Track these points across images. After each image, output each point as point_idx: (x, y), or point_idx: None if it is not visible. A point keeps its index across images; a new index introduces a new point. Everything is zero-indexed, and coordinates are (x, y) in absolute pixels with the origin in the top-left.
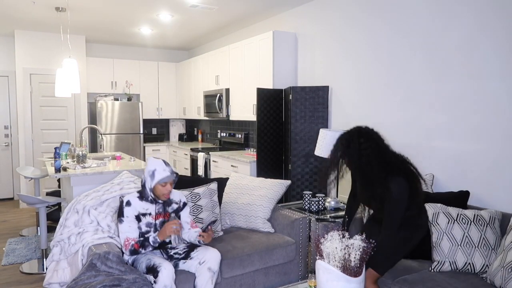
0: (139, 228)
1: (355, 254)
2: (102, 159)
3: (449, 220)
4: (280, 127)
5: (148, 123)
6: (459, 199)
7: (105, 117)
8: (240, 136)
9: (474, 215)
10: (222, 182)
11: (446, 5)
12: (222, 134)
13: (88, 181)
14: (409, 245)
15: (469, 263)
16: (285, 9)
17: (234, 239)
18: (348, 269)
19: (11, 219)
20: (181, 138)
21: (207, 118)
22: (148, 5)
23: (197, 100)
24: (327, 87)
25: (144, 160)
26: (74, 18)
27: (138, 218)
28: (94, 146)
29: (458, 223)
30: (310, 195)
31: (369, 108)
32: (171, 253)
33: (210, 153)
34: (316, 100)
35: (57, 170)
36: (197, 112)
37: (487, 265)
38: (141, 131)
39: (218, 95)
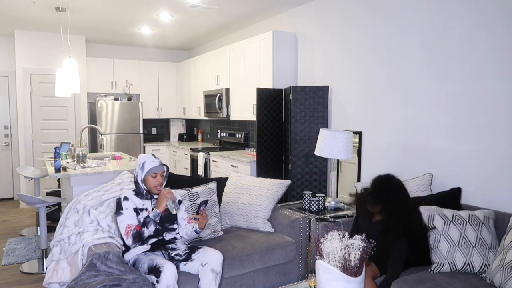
0: (138, 221)
1: (355, 254)
2: (102, 159)
3: (445, 222)
4: (280, 127)
5: (148, 123)
6: (451, 197)
7: (105, 117)
8: (240, 136)
9: (469, 215)
10: (221, 182)
11: (446, 4)
12: (222, 134)
13: (88, 181)
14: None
15: (468, 263)
16: (285, 9)
17: (234, 239)
18: (348, 269)
19: (11, 219)
20: (181, 138)
21: (207, 118)
22: (148, 5)
23: (197, 100)
24: (327, 87)
25: None
26: (74, 18)
27: (136, 211)
28: (94, 146)
29: (454, 224)
30: (310, 195)
31: (369, 108)
32: (172, 255)
33: (210, 153)
34: (316, 100)
35: (57, 170)
36: (197, 112)
37: (486, 265)
38: (141, 131)
39: (218, 95)
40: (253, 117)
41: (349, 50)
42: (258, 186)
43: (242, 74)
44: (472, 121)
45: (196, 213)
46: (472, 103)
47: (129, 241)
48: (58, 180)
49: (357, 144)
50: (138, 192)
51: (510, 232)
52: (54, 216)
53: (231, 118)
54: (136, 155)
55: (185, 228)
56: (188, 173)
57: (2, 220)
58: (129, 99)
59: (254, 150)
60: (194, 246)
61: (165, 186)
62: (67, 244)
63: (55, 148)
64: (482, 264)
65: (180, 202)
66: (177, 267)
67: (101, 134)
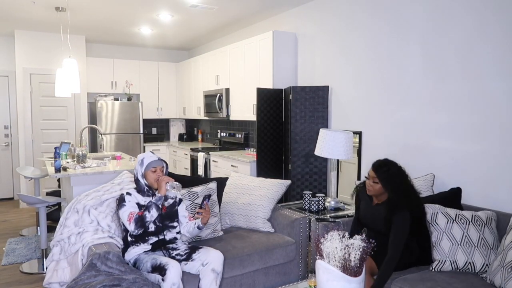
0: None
1: (355, 254)
2: (102, 159)
3: (448, 220)
4: (280, 127)
5: (148, 123)
6: (451, 197)
7: (105, 117)
8: (240, 136)
9: (472, 215)
10: (221, 182)
11: (445, 5)
12: (222, 134)
13: (88, 181)
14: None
15: (470, 263)
16: (285, 9)
17: (234, 239)
18: (348, 269)
19: (11, 219)
20: (181, 138)
21: (207, 118)
22: (148, 5)
23: (197, 100)
24: (327, 87)
25: None
26: (74, 18)
27: (139, 206)
28: (94, 146)
29: (457, 223)
30: (310, 195)
31: (369, 108)
32: (173, 254)
33: (210, 153)
34: (316, 100)
35: (57, 170)
36: (197, 112)
37: (487, 265)
38: (141, 131)
39: (218, 95)
40: (253, 117)
41: (349, 50)
42: (258, 186)
43: (242, 74)
44: (472, 121)
45: (199, 207)
46: (472, 103)
47: (131, 227)
48: (58, 180)
49: (357, 144)
50: (139, 190)
51: (511, 232)
52: (54, 216)
53: (231, 118)
54: (136, 155)
55: (186, 225)
56: (188, 173)
57: (2, 220)
58: (129, 99)
59: (254, 150)
60: (194, 246)
61: None
62: (67, 244)
63: (55, 148)
64: (484, 264)
65: (180, 200)
66: None
67: (101, 134)
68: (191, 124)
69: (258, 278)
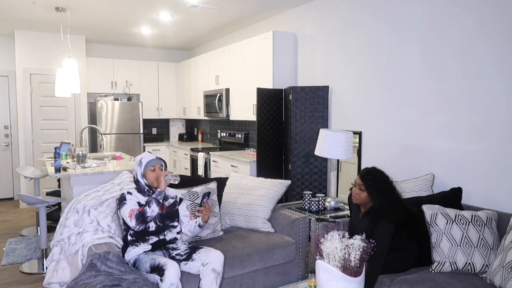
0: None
1: (355, 254)
2: (102, 159)
3: (447, 221)
4: (280, 127)
5: (148, 123)
6: (452, 197)
7: (105, 117)
8: (240, 136)
9: (472, 215)
10: (221, 182)
11: (445, 5)
12: (222, 134)
13: (88, 181)
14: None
15: (469, 263)
16: (285, 9)
17: (234, 239)
18: (348, 269)
19: (11, 219)
20: (181, 138)
21: (207, 118)
22: (148, 5)
23: (197, 100)
24: (327, 87)
25: None
26: (74, 18)
27: (139, 205)
28: (94, 146)
29: (457, 224)
30: (310, 195)
31: (369, 108)
32: (173, 254)
33: (210, 153)
34: (316, 100)
35: (57, 170)
36: (197, 112)
37: (486, 265)
38: (141, 131)
39: (218, 95)
40: (253, 117)
41: (349, 50)
42: (258, 186)
43: (242, 74)
44: (472, 121)
45: (200, 205)
46: (472, 103)
47: (132, 222)
48: (58, 180)
49: (357, 144)
50: (139, 190)
51: (511, 232)
52: (54, 216)
53: (231, 118)
54: (136, 155)
55: (187, 224)
56: (188, 173)
57: (2, 220)
58: (129, 99)
59: (254, 150)
60: (194, 246)
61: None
62: (67, 244)
63: (55, 148)
64: (483, 264)
65: (181, 200)
66: None
67: (101, 134)
68: (191, 124)
69: (258, 278)
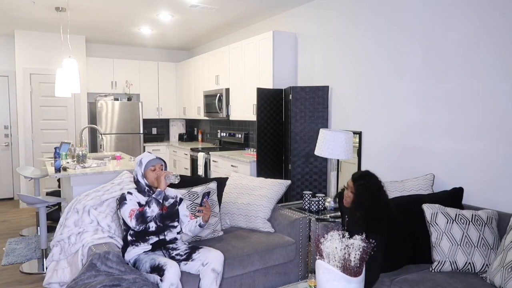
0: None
1: (355, 254)
2: (102, 159)
3: (447, 220)
4: (280, 127)
5: (148, 123)
6: (453, 197)
7: (105, 117)
8: (240, 136)
9: (472, 215)
10: (221, 182)
11: (447, 4)
12: (222, 134)
13: (88, 181)
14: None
15: (470, 263)
16: (285, 9)
17: (234, 239)
18: (348, 269)
19: (11, 219)
20: (181, 138)
21: (207, 118)
22: (148, 5)
23: (197, 100)
24: (327, 87)
25: None
26: (74, 18)
27: (139, 205)
28: (94, 146)
29: (457, 223)
30: (310, 195)
31: (369, 108)
32: (173, 254)
33: (210, 153)
34: (316, 100)
35: (57, 170)
36: (197, 112)
37: (487, 265)
38: (141, 131)
39: (218, 95)
40: (253, 117)
41: (349, 50)
42: (258, 186)
43: (242, 74)
44: (472, 121)
45: (200, 205)
46: (473, 103)
47: (132, 222)
48: (58, 180)
49: (357, 144)
50: (140, 190)
51: (511, 232)
52: (54, 216)
53: (231, 118)
54: (136, 155)
55: (188, 224)
56: (188, 173)
57: (2, 220)
58: (129, 99)
59: (254, 150)
60: (194, 246)
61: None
62: (67, 244)
63: (55, 148)
64: (484, 264)
65: (181, 200)
66: None
67: (101, 134)
68: (191, 124)
69: (258, 278)
